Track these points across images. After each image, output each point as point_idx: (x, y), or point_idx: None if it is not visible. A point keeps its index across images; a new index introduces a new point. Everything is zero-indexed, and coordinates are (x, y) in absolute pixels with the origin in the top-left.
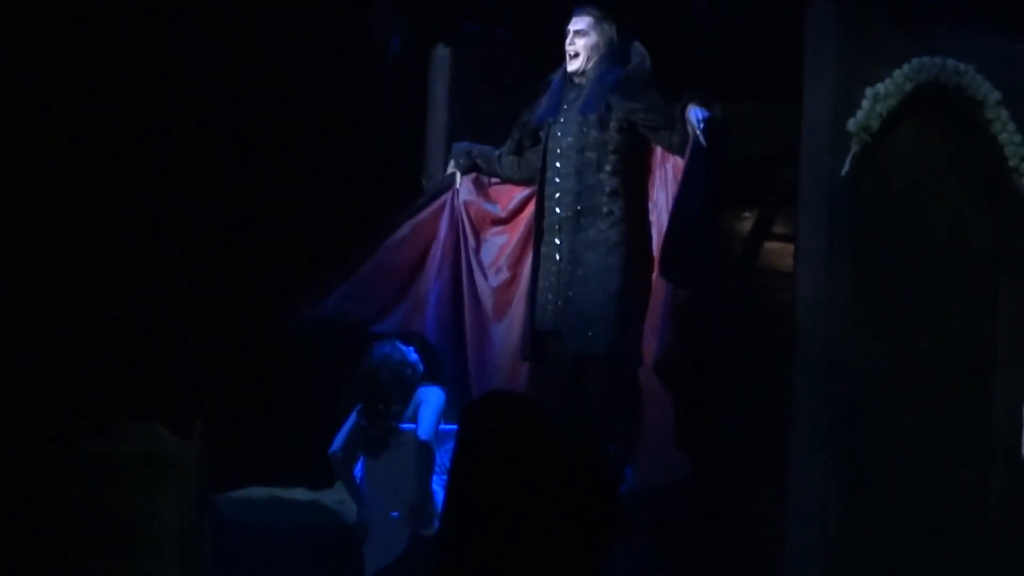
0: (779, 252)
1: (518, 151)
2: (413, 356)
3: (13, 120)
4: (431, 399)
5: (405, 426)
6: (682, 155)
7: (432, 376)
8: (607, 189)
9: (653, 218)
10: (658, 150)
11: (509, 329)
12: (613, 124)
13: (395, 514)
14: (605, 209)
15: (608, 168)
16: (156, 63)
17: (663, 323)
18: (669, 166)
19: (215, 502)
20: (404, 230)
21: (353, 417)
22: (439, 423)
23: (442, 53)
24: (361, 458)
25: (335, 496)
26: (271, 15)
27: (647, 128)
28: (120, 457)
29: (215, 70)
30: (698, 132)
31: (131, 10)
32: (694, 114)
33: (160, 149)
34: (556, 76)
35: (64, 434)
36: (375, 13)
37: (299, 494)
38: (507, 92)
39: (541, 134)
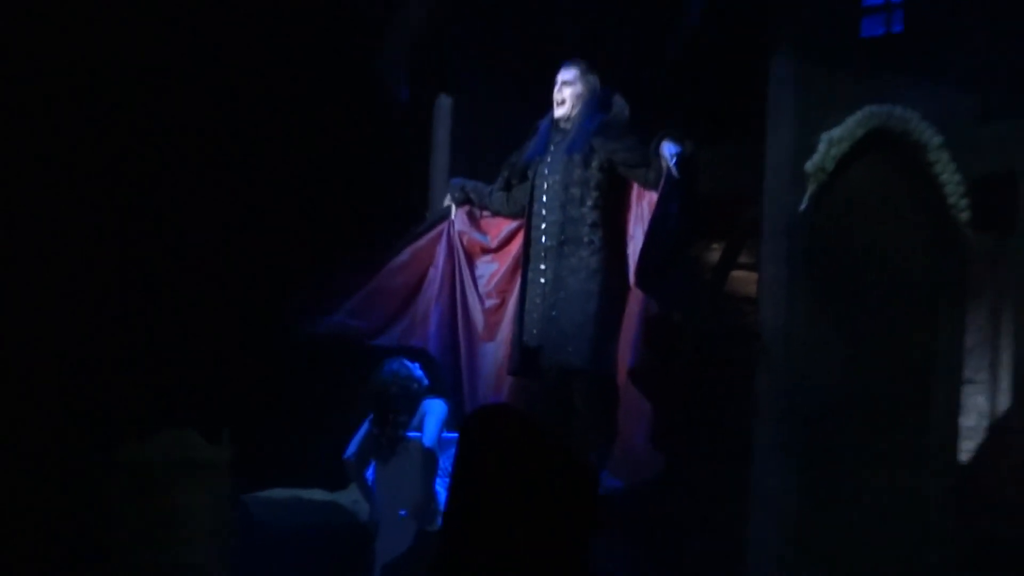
0: (744, 280)
1: (507, 188)
2: (418, 372)
3: (30, 134)
4: (435, 410)
5: (411, 434)
6: (656, 190)
7: (435, 389)
8: (588, 221)
9: (630, 250)
10: (635, 188)
11: (498, 347)
12: (595, 163)
13: (403, 512)
14: (586, 239)
15: (590, 203)
16: (177, 123)
17: (636, 337)
18: (645, 203)
19: (243, 502)
20: (404, 255)
21: (365, 426)
22: (442, 431)
23: (445, 102)
24: (372, 463)
25: (350, 497)
26: (292, 73)
27: (625, 167)
28: (157, 461)
29: (246, 120)
30: (670, 164)
31: (141, 61)
32: (667, 148)
33: (187, 184)
34: (543, 121)
35: (107, 440)
36: (385, 67)
37: (317, 495)
38: (503, 137)
39: (529, 172)
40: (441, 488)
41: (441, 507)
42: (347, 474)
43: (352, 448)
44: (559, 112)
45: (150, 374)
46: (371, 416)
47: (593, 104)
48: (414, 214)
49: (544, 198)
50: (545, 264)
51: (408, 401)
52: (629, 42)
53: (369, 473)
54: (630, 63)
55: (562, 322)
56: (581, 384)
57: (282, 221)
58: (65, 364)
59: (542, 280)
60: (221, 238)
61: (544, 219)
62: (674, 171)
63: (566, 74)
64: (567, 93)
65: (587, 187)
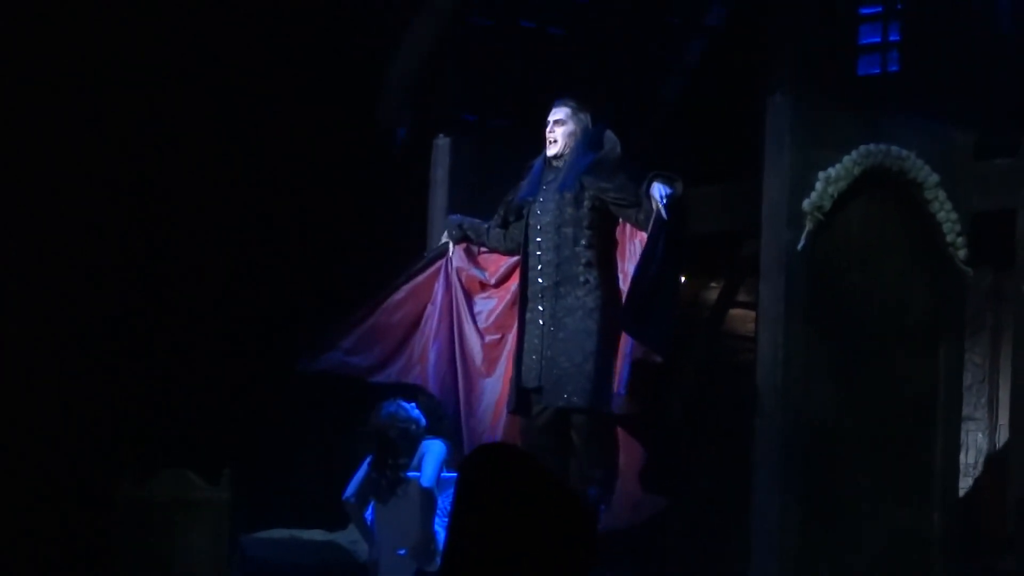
0: (743, 318)
1: (504, 225)
2: (416, 413)
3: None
4: (433, 450)
5: (411, 474)
6: (647, 230)
7: (433, 429)
8: (583, 260)
9: (624, 287)
10: (627, 226)
11: (496, 382)
12: (587, 202)
13: (402, 552)
14: (582, 279)
15: (583, 242)
16: (183, 159)
17: (623, 377)
18: (637, 240)
19: (242, 542)
20: (401, 293)
21: (364, 467)
22: (441, 472)
23: (442, 142)
24: (371, 503)
25: (349, 537)
26: (291, 112)
27: (616, 206)
28: (157, 501)
29: (245, 161)
30: (660, 206)
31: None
32: (657, 190)
33: (188, 222)
34: (537, 160)
35: (108, 481)
36: (384, 108)
37: (317, 535)
38: (499, 175)
39: (524, 212)
40: (440, 528)
41: (440, 547)
42: (346, 514)
43: (351, 488)
44: (551, 151)
45: (150, 414)
46: (370, 458)
47: (585, 142)
48: (413, 252)
49: (538, 238)
50: (542, 305)
51: (407, 443)
52: (628, 81)
53: (368, 513)
54: (629, 102)
55: (561, 362)
56: (580, 422)
57: (281, 259)
58: (66, 404)
59: (540, 321)
60: (220, 279)
61: (539, 259)
62: (663, 213)
63: (557, 113)
64: (559, 132)
65: (580, 226)
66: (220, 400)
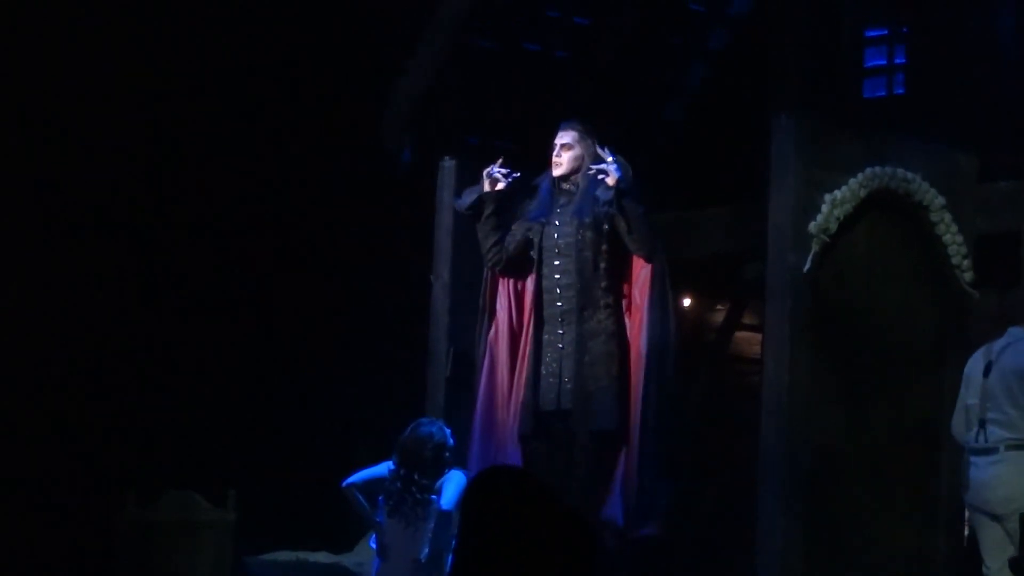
0: (748, 340)
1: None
2: (452, 441)
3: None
4: (455, 479)
5: (431, 497)
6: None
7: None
8: (603, 284)
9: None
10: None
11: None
12: (605, 226)
13: (421, 557)
14: (602, 302)
15: (603, 265)
16: (187, 183)
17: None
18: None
19: (247, 564)
20: None
21: (380, 470)
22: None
23: (448, 164)
24: (380, 515)
25: (354, 559)
26: (296, 136)
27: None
28: (161, 523)
29: (256, 189)
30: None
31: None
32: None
33: (193, 244)
34: (544, 181)
35: (112, 502)
36: (389, 130)
37: (322, 557)
38: (504, 197)
39: (531, 235)
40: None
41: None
42: (345, 499)
43: (358, 480)
44: (557, 172)
45: (155, 436)
46: (391, 466)
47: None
48: (418, 274)
49: (556, 262)
50: (563, 328)
51: (435, 467)
52: (632, 104)
53: (372, 542)
54: (633, 125)
55: (588, 386)
56: (591, 444)
57: (287, 281)
58: (71, 425)
59: (560, 345)
60: (225, 300)
61: (558, 283)
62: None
63: (564, 137)
64: (565, 156)
65: (599, 250)
66: (225, 421)
